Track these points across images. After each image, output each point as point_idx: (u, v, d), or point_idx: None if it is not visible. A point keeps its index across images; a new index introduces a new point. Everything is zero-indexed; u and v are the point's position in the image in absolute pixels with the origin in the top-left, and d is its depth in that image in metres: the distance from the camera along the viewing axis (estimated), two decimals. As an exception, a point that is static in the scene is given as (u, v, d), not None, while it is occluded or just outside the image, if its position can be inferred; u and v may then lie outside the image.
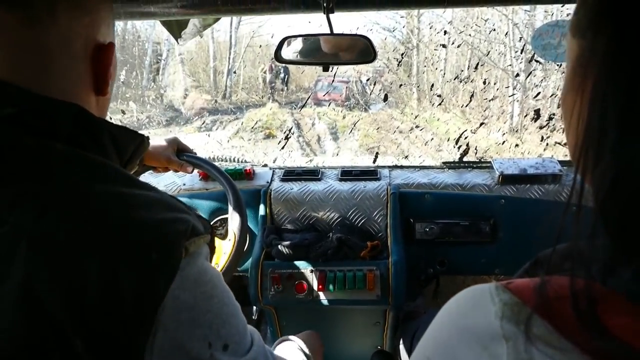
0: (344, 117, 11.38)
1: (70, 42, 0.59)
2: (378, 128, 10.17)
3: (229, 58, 16.55)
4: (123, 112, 10.45)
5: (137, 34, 14.54)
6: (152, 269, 0.51)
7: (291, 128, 10.88)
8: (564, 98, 0.43)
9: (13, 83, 0.55)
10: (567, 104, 0.42)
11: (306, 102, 12.78)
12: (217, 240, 1.23)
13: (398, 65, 12.89)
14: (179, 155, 1.39)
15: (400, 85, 12.75)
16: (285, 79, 15.93)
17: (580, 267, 0.35)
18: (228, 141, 9.65)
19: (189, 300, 0.53)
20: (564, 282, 0.35)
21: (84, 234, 0.49)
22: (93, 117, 0.60)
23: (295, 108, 13.22)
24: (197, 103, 13.29)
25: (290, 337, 1.08)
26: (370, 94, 13.66)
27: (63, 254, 0.48)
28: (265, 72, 15.98)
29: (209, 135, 9.80)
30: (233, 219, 1.27)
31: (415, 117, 10.42)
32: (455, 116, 10.51)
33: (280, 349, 1.04)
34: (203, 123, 12.32)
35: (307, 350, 1.04)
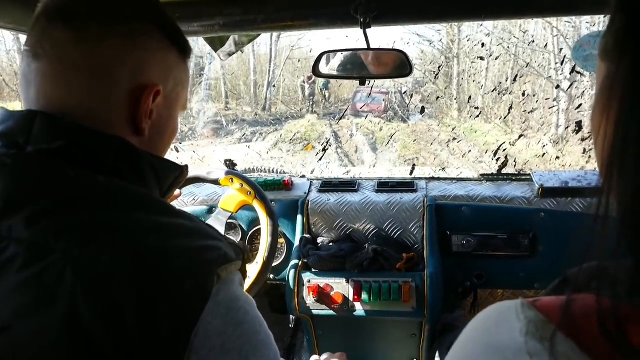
0: (380, 130, 11.34)
1: (115, 71, 0.61)
2: (415, 140, 10.07)
3: (269, 71, 16.81)
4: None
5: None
6: (186, 296, 0.53)
7: (329, 140, 10.92)
8: (592, 117, 0.44)
9: (65, 107, 0.59)
10: (595, 123, 0.43)
11: (345, 113, 12.80)
12: None
13: (435, 77, 12.75)
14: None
15: (437, 97, 12.59)
16: (326, 88, 16.02)
17: (606, 286, 0.35)
18: (267, 152, 9.78)
19: (220, 326, 0.54)
20: (590, 301, 0.35)
21: (122, 264, 0.52)
22: (135, 150, 0.63)
23: (333, 119, 13.27)
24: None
25: None
26: (409, 105, 13.57)
27: (104, 283, 0.50)
28: (304, 84, 16.14)
29: (249, 147, 9.97)
30: (263, 247, 1.35)
31: (453, 130, 10.24)
32: (497, 127, 10.29)
33: None
34: (243, 135, 12.55)
35: None
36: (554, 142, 8.57)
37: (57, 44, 0.59)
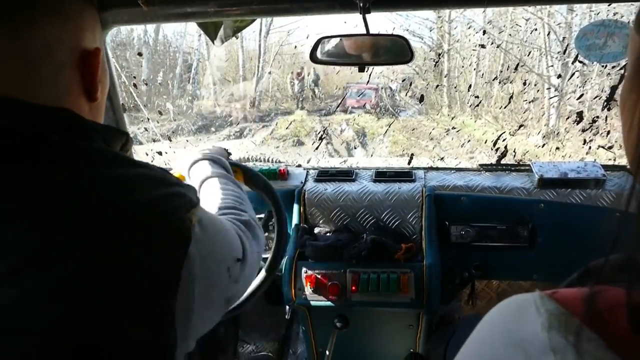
0: (378, 119, 11.33)
1: (54, 50, 0.61)
2: (413, 129, 10.07)
3: (258, 67, 16.71)
4: (160, 112, 11.50)
5: (168, 44, 14.90)
6: (170, 238, 0.58)
7: (325, 129, 10.89)
8: (624, 97, 0.41)
9: (4, 95, 0.58)
10: (628, 103, 0.40)
11: (335, 109, 12.78)
12: None
13: (435, 64, 12.71)
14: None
15: (437, 85, 12.55)
16: (316, 85, 15.96)
17: (637, 279, 0.33)
18: (260, 145, 9.74)
19: (206, 244, 0.63)
20: (617, 294, 0.33)
21: (101, 221, 0.54)
22: (83, 120, 0.63)
23: (324, 115, 13.24)
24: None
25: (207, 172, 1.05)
26: (401, 100, 13.59)
27: (89, 242, 0.53)
28: (293, 80, 16.08)
29: (241, 143, 9.94)
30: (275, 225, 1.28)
31: (452, 119, 10.24)
32: (488, 122, 10.32)
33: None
34: (233, 131, 12.47)
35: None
36: (552, 132, 8.58)
37: None
